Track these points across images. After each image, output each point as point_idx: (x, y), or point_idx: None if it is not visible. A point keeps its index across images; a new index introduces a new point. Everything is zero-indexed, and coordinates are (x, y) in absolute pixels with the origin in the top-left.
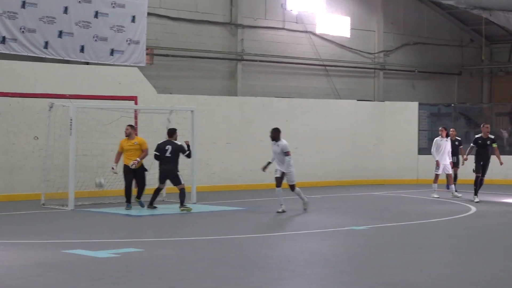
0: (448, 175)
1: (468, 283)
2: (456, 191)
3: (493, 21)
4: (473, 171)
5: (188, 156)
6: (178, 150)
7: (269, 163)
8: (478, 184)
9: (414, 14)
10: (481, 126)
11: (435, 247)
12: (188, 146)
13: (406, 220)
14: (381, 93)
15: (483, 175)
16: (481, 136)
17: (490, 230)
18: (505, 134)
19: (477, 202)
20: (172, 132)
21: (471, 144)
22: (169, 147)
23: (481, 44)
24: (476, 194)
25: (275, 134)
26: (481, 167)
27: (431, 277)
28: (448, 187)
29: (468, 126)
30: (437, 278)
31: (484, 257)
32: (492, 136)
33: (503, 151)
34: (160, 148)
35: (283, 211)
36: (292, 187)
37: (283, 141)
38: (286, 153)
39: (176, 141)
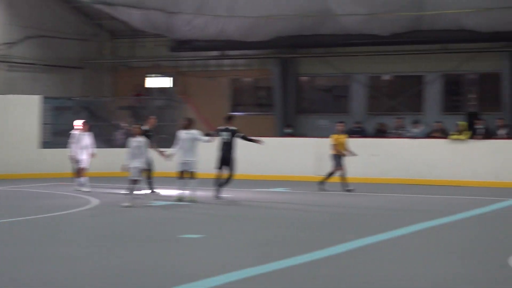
0: (80, 169)
1: (91, 275)
2: (83, 185)
3: (115, 16)
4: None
5: None
6: None
7: None
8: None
9: (39, 7)
10: (148, 118)
11: (61, 241)
12: None
13: (29, 215)
14: (5, 86)
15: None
16: (148, 128)
17: (109, 223)
18: (125, 126)
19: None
20: None
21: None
22: None
23: (104, 38)
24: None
25: None
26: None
27: (66, 271)
28: (77, 180)
29: (92, 120)
30: (69, 272)
31: (105, 250)
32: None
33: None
34: None
35: None
36: None
37: None
38: None
39: None
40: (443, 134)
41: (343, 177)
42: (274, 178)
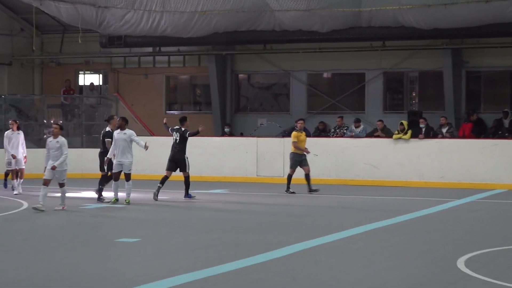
0: (20, 169)
1: (27, 281)
2: (17, 187)
3: (44, 10)
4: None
5: None
6: None
7: None
8: (106, 180)
9: None
10: (112, 118)
11: None
12: None
13: None
14: None
15: (110, 170)
16: (112, 129)
17: (43, 227)
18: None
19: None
20: None
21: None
22: None
23: (32, 33)
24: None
25: None
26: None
27: None
28: (16, 182)
29: (21, 118)
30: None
31: (40, 255)
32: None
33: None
34: None
35: None
36: None
37: None
38: None
39: None
40: (385, 133)
41: (290, 177)
42: (213, 179)
